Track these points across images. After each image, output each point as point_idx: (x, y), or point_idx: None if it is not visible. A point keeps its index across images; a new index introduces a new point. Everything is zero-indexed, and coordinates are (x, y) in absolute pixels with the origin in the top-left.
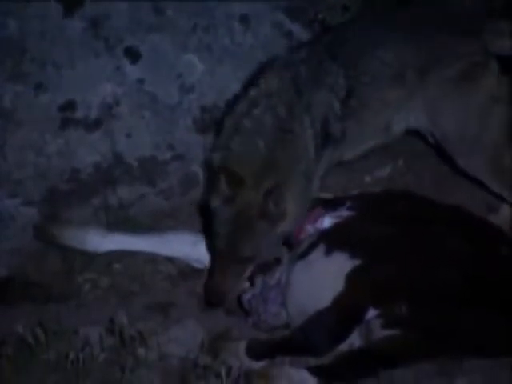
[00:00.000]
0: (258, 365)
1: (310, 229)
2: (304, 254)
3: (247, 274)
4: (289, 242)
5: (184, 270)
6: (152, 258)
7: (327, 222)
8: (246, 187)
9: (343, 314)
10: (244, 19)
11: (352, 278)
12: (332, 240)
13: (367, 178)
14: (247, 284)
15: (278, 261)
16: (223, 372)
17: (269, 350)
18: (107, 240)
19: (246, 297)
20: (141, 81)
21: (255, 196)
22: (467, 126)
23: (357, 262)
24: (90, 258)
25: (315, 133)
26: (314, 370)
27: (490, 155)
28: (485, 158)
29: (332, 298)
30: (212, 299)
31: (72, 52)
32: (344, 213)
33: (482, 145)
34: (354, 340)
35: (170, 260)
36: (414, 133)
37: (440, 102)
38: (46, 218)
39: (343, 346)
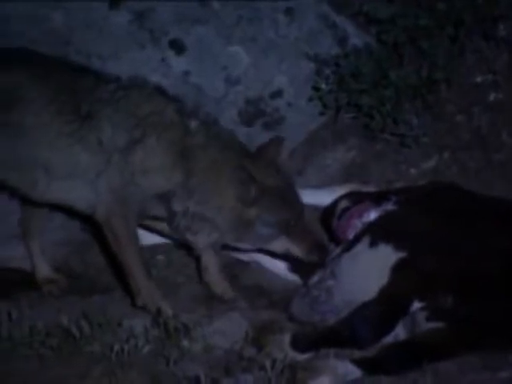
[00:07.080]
0: (302, 357)
1: (357, 223)
2: (349, 247)
3: None
4: (335, 238)
5: (229, 262)
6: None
7: (373, 216)
8: None
9: (388, 306)
10: (289, 11)
11: (397, 270)
12: (377, 232)
13: (412, 170)
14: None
15: (320, 258)
16: (268, 364)
17: (314, 342)
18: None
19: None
20: (186, 73)
21: None
22: None
23: (402, 254)
24: None
25: None
26: (359, 363)
27: None
28: None
29: (377, 290)
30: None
31: (117, 44)
32: (390, 207)
33: None
34: (399, 332)
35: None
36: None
37: None
38: None
39: (388, 339)
